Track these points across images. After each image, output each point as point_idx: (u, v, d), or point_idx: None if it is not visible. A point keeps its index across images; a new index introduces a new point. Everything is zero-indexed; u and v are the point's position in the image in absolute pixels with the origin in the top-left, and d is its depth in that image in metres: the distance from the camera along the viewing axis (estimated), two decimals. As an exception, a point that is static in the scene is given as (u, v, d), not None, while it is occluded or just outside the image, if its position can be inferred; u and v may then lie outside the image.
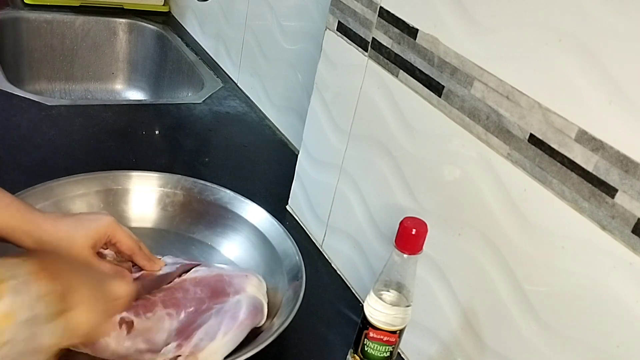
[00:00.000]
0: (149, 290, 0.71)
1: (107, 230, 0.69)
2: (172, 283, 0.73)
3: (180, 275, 0.73)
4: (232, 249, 0.84)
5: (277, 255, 0.80)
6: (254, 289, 0.73)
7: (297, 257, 0.79)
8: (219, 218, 0.86)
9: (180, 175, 0.90)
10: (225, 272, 0.74)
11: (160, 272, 0.74)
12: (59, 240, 0.66)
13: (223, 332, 0.66)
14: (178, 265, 0.75)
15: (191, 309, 0.70)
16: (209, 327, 0.67)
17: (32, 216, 0.66)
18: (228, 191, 0.88)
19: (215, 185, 0.89)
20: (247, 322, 0.69)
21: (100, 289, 0.57)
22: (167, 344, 0.66)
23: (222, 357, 0.65)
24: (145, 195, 0.88)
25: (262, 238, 0.83)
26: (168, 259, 0.76)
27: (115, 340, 0.67)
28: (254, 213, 0.86)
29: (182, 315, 0.70)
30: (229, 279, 0.74)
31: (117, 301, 0.60)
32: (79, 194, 0.83)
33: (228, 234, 0.85)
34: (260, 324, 0.72)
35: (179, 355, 0.64)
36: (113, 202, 0.85)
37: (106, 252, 0.73)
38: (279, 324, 0.69)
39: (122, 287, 0.60)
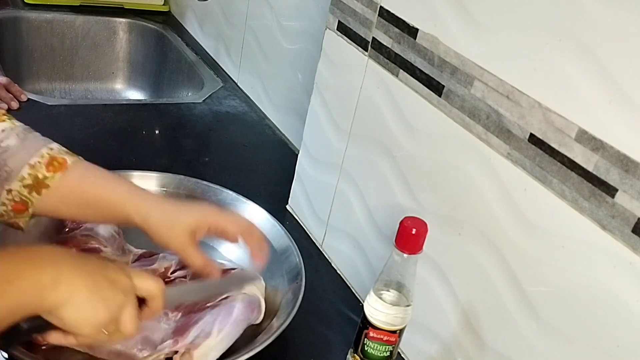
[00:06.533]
0: None
1: (208, 220, 0.69)
2: (168, 280, 0.74)
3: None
4: (233, 250, 0.84)
5: (278, 257, 0.80)
6: (251, 286, 0.73)
7: (297, 259, 0.79)
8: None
9: (182, 176, 0.90)
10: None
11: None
12: (161, 221, 0.66)
13: (218, 329, 0.66)
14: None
15: (187, 307, 0.70)
16: (204, 324, 0.67)
17: (144, 193, 0.69)
18: (230, 192, 0.88)
19: (217, 186, 0.89)
20: (241, 319, 0.69)
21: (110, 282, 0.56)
22: (164, 342, 0.67)
23: (218, 354, 0.65)
24: None
25: (263, 239, 0.83)
26: (169, 256, 0.77)
27: None
28: (255, 214, 0.85)
29: (179, 314, 0.70)
30: (225, 276, 0.74)
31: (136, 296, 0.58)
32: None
33: (229, 235, 0.85)
34: (257, 321, 0.72)
35: (176, 352, 0.64)
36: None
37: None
38: (279, 324, 0.69)
39: (151, 285, 0.59)
